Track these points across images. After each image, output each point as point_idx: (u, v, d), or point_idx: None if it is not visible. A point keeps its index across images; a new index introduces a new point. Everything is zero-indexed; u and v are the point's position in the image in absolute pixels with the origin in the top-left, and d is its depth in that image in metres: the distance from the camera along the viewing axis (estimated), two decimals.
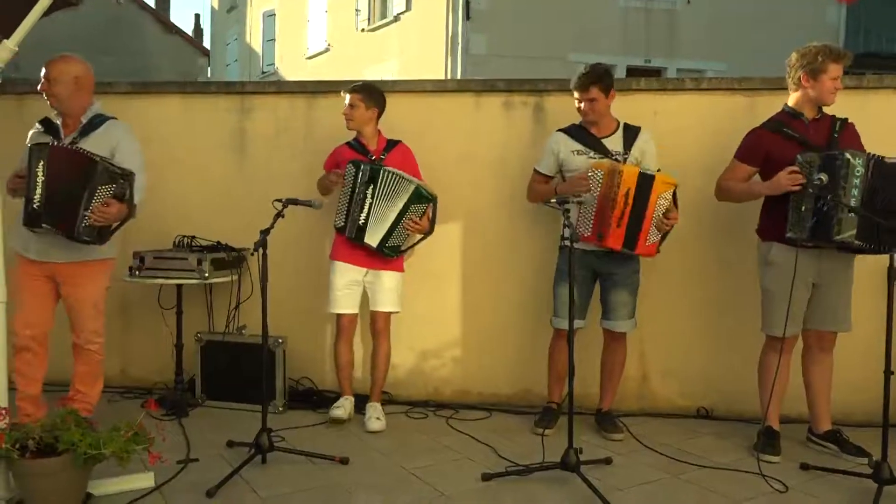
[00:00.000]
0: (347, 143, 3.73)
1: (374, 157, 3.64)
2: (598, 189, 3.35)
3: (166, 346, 4.07)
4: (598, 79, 3.42)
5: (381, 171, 3.55)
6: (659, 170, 3.44)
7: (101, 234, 3.12)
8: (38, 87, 3.21)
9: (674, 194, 3.39)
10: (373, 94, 3.67)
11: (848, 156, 2.99)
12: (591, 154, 3.47)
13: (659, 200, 3.34)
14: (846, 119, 3.29)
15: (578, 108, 3.48)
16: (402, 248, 3.69)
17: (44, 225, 3.05)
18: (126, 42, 19.34)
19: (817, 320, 3.31)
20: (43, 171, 3.02)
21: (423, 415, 3.91)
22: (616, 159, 3.44)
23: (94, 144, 3.16)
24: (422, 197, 3.59)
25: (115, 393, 4.15)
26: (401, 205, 3.58)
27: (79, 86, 3.20)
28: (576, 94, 3.47)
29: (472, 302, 4.14)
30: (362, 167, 3.56)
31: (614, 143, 3.50)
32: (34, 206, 3.03)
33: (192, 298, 4.13)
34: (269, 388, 3.77)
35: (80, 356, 3.33)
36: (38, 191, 3.01)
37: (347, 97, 3.64)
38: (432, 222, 3.69)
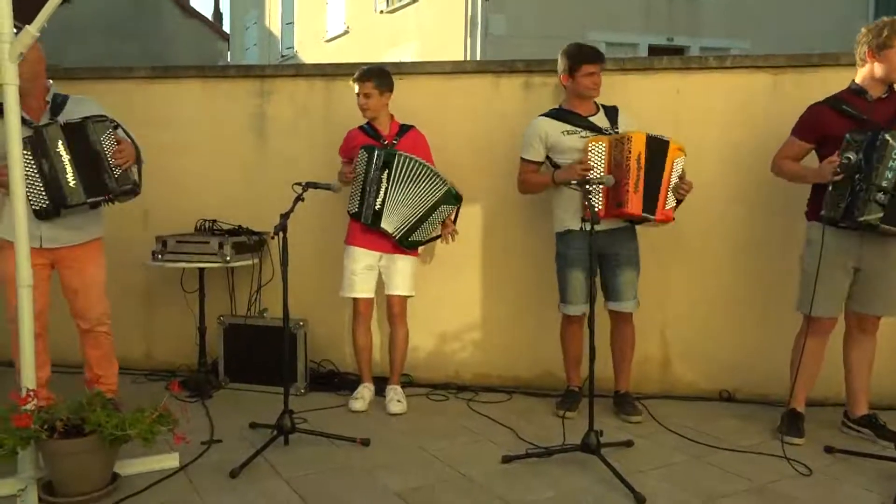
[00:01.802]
0: (360, 128, 3.72)
1: (386, 142, 3.63)
2: (602, 163, 3.31)
3: (190, 329, 4.12)
4: (602, 55, 3.46)
5: (396, 157, 3.53)
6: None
7: (136, 181, 3.19)
8: (31, 68, 3.07)
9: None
10: (384, 78, 3.63)
11: (888, 136, 2.89)
12: (583, 133, 3.44)
13: (674, 165, 3.29)
14: None
15: (588, 84, 3.43)
16: (421, 244, 3.71)
17: (89, 201, 3.08)
18: (146, 27, 19.43)
19: (861, 304, 3.22)
20: (66, 150, 3.03)
21: (444, 397, 3.93)
22: (609, 133, 3.41)
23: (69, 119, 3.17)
24: (451, 198, 3.62)
25: (139, 375, 4.21)
26: (430, 201, 3.59)
27: (42, 65, 3.15)
28: (589, 69, 3.41)
29: (491, 285, 4.13)
30: (376, 152, 3.55)
31: (600, 120, 3.49)
32: (70, 186, 3.04)
33: (215, 282, 4.16)
34: (291, 370, 3.81)
35: (92, 340, 3.35)
36: (69, 171, 3.04)
37: (358, 86, 3.60)
38: (452, 223, 3.74)
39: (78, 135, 3.06)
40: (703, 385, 3.93)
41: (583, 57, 3.42)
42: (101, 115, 3.13)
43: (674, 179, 3.31)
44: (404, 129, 3.70)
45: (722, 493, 2.74)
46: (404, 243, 3.64)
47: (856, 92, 3.16)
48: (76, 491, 2.59)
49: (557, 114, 3.52)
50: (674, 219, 3.40)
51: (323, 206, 4.00)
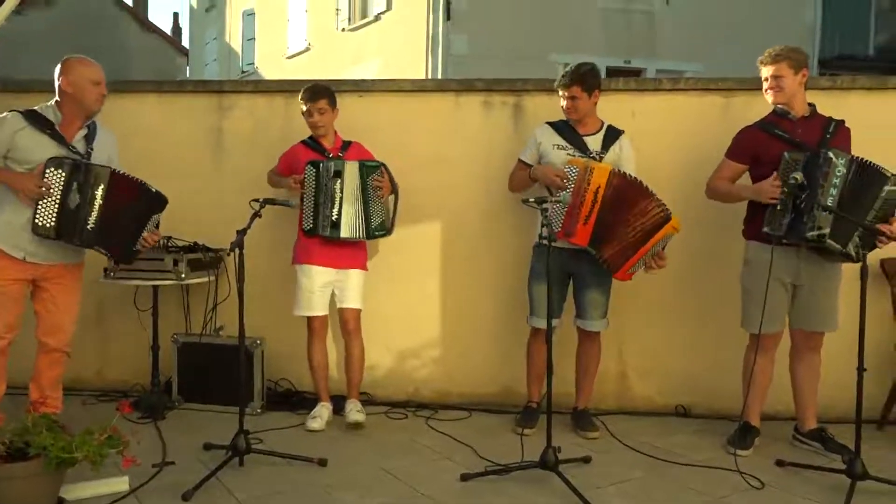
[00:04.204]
0: (304, 143, 3.71)
1: (332, 155, 3.63)
2: (572, 185, 3.35)
3: (143, 348, 4.02)
4: (581, 78, 3.44)
5: (346, 166, 3.53)
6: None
7: (137, 252, 3.27)
8: (104, 92, 3.19)
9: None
10: (333, 95, 3.65)
11: (831, 155, 3.01)
12: (571, 151, 3.48)
13: (659, 241, 3.35)
14: (842, 121, 3.30)
15: (562, 106, 3.50)
16: (388, 222, 3.66)
17: (97, 248, 3.13)
18: (103, 40, 19.11)
19: (802, 320, 3.32)
20: (102, 196, 3.06)
21: (403, 415, 3.90)
22: (594, 158, 3.45)
23: (100, 150, 3.21)
24: (368, 167, 3.56)
25: (90, 395, 4.09)
26: (360, 184, 3.54)
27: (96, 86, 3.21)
28: (559, 92, 3.49)
29: (451, 302, 4.13)
30: (324, 164, 3.55)
31: (595, 142, 3.52)
32: (88, 229, 3.06)
33: (169, 299, 4.08)
34: (247, 389, 3.74)
35: (54, 360, 3.28)
36: (94, 215, 3.06)
37: (309, 105, 3.58)
38: (393, 182, 3.67)
39: (147, 199, 3.16)
40: (659, 400, 3.99)
41: (557, 83, 3.51)
42: (160, 201, 3.23)
43: (653, 250, 3.36)
44: (346, 143, 3.71)
45: None
46: (374, 234, 3.60)
47: (780, 114, 3.29)
48: None
49: (559, 126, 3.56)
50: (630, 279, 3.46)
51: (281, 223, 3.96)
